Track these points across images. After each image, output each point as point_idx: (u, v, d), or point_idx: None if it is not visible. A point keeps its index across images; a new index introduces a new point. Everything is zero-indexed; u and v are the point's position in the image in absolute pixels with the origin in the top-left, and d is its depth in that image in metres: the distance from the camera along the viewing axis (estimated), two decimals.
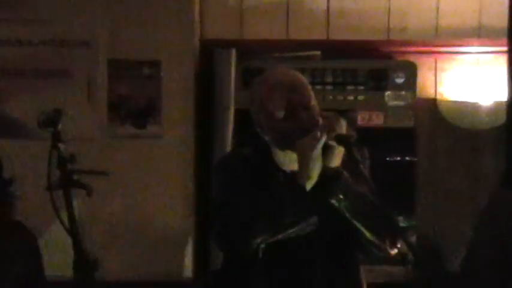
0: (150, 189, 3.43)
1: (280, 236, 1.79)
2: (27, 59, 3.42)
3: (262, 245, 1.79)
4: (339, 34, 3.63)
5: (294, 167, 1.83)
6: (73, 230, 1.73)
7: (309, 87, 1.91)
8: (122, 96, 3.47)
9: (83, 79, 3.45)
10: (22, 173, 3.23)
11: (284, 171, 1.90)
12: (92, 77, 3.45)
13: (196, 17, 3.57)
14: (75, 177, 1.82)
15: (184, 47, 3.48)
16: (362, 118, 3.51)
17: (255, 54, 3.55)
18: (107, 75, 3.45)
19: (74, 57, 3.44)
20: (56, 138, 1.86)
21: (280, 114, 1.84)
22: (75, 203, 1.79)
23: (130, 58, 3.46)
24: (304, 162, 1.78)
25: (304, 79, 1.92)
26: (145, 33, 3.46)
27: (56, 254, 2.78)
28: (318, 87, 3.48)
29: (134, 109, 3.47)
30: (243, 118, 2.04)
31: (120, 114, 3.47)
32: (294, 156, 1.83)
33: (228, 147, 3.45)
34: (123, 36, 3.45)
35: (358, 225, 1.82)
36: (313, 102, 1.88)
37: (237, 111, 3.46)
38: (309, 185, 1.78)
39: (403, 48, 3.65)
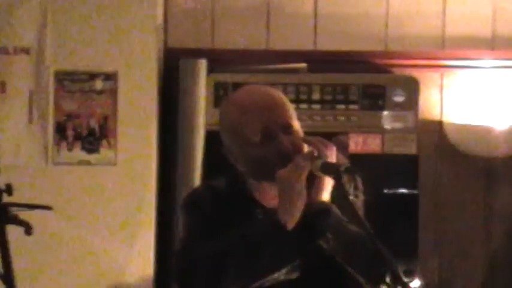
0: (102, 228, 3.40)
1: (257, 285, 1.79)
2: None
3: None
4: (328, 44, 3.67)
5: (275, 202, 1.84)
6: (8, 277, 1.71)
7: (290, 106, 1.93)
8: (70, 115, 3.47)
9: (23, 94, 3.43)
10: None
11: (264, 207, 1.91)
12: (34, 91, 3.44)
13: (160, 22, 3.59)
14: (12, 212, 1.82)
15: (144, 57, 3.48)
16: (355, 143, 3.54)
17: (228, 66, 3.57)
18: (52, 89, 3.45)
19: (11, 68, 3.43)
20: None
21: (255, 138, 1.86)
22: (11, 243, 1.77)
23: (80, 69, 3.47)
24: (286, 196, 1.79)
25: (284, 97, 1.94)
26: (98, 39, 3.46)
27: None
28: (304, 105, 3.51)
29: (84, 130, 3.47)
30: (214, 142, 2.06)
31: (68, 136, 3.47)
32: (274, 188, 1.84)
33: (197, 177, 3.45)
34: (70, 42, 3.46)
35: (350, 270, 1.83)
36: (296, 124, 1.90)
37: (208, 134, 3.47)
38: (291, 223, 1.78)
39: (404, 61, 3.69)
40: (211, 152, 3.43)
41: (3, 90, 3.44)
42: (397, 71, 3.68)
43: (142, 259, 3.40)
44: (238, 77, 3.45)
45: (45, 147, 3.44)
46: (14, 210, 1.85)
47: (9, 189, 1.84)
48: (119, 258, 3.39)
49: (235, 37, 3.66)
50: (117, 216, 3.41)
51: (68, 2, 3.45)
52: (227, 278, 1.75)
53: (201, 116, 3.48)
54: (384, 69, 3.67)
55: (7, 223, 1.81)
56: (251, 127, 1.86)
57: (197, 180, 3.43)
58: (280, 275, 1.79)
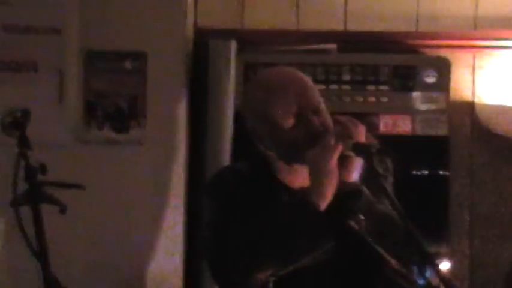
0: (130, 207, 3.43)
1: (291, 267, 1.80)
2: None
3: (273, 278, 1.80)
4: (359, 24, 3.65)
5: (303, 183, 1.85)
6: (42, 254, 1.75)
7: (315, 86, 1.93)
8: (100, 94, 3.50)
9: (53, 73, 3.46)
10: None
11: (290, 189, 1.92)
12: (64, 70, 3.47)
13: (190, 2, 3.60)
14: (46, 190, 1.85)
15: (174, 37, 3.49)
16: (385, 124, 3.54)
17: (258, 46, 3.58)
18: (81, 68, 3.47)
19: (42, 47, 3.45)
20: (24, 144, 1.89)
21: (286, 120, 1.86)
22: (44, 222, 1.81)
23: (110, 49, 3.49)
24: (317, 176, 1.80)
25: (308, 78, 1.94)
26: (127, 19, 3.48)
27: (21, 282, 2.80)
28: (333, 86, 3.51)
29: (114, 109, 3.50)
30: (244, 122, 2.08)
31: (97, 115, 3.50)
32: (302, 170, 1.85)
33: (225, 158, 3.47)
34: (100, 22, 3.47)
35: (381, 251, 1.84)
36: (323, 104, 1.91)
37: (237, 114, 3.48)
38: (322, 205, 1.79)
39: (435, 42, 3.67)
40: (241, 133, 3.45)
41: (35, 70, 3.47)
42: (429, 52, 3.65)
43: (170, 240, 3.42)
44: (267, 58, 3.46)
45: (75, 126, 3.48)
46: (48, 189, 1.89)
47: (43, 168, 1.87)
48: (147, 238, 3.42)
49: (264, 17, 3.66)
50: (145, 196, 3.43)
51: None
52: (259, 261, 1.77)
53: (231, 97, 3.50)
54: (415, 50, 3.65)
55: (42, 202, 1.84)
56: (281, 109, 1.87)
57: (226, 160, 3.45)
58: (313, 256, 1.80)
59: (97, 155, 3.46)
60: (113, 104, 3.50)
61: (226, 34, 3.56)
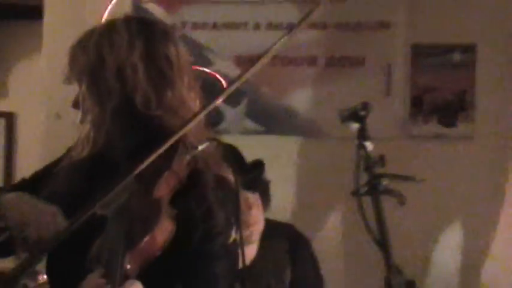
0: (464, 201, 3.41)
1: None
2: (318, 45, 3.59)
3: None
4: None
5: None
6: (384, 243, 1.82)
7: None
8: (427, 88, 3.51)
9: (381, 67, 3.54)
10: (321, 175, 3.45)
11: None
12: (392, 64, 3.53)
13: None
14: (385, 182, 1.93)
15: (505, 28, 3.40)
16: None
17: None
18: (409, 62, 3.51)
19: (370, 42, 3.55)
20: (364, 135, 1.99)
21: None
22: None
23: (437, 42, 3.48)
24: None
25: None
26: (455, 11, 3.45)
27: (365, 268, 2.92)
28: None
29: (441, 103, 3.49)
30: None
31: (424, 109, 3.51)
32: None
33: None
34: (428, 15, 3.48)
35: None
36: None
37: None
38: None
39: None
40: None
41: (362, 64, 3.58)
42: None
43: (506, 237, 3.34)
44: None
45: (402, 120, 3.51)
46: (386, 181, 1.96)
47: (382, 160, 1.95)
48: (483, 233, 3.38)
49: None
50: (478, 191, 3.38)
51: None
52: None
53: None
54: None
55: (382, 193, 1.92)
56: None
57: None
58: None
59: (425, 148, 3.47)
60: (440, 97, 3.50)
61: None
